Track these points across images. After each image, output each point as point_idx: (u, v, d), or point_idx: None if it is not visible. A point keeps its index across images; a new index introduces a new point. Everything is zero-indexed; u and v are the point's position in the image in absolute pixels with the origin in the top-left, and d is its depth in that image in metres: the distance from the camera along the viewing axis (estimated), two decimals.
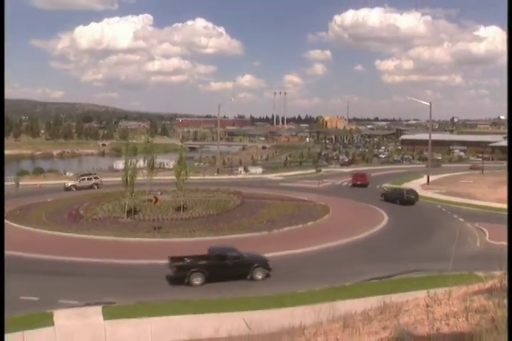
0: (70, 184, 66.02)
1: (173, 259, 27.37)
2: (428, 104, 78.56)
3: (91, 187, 65.47)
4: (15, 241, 35.05)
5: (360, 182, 70.01)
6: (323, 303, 18.30)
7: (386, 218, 45.60)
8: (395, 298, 11.66)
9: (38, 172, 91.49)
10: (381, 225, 42.85)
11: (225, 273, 26.83)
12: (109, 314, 21.24)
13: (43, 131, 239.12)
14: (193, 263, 27.10)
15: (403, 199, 53.95)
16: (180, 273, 26.53)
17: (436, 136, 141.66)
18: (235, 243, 35.66)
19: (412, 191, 56.82)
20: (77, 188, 64.21)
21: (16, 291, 24.45)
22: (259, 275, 27.47)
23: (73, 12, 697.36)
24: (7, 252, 28.65)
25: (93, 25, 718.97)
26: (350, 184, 71.42)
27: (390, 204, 52.74)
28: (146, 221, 42.21)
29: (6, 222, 42.67)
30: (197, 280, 26.49)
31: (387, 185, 68.72)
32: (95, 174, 72.59)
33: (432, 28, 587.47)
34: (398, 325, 6.82)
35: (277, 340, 8.64)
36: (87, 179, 67.42)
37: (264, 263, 28.13)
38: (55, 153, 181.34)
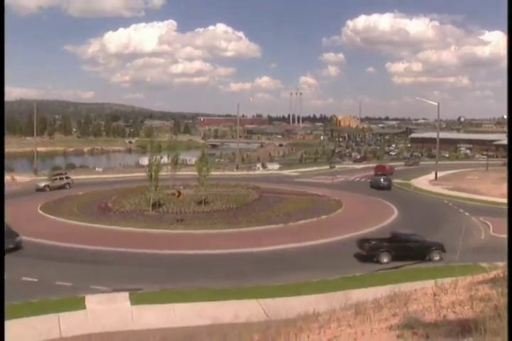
0: (43, 184, 59.24)
1: (363, 240, 29.51)
2: (436, 104, 77.98)
3: (63, 186, 59.96)
4: (49, 231, 35.62)
5: (380, 172, 75.29)
6: (336, 292, 18.35)
7: (396, 212, 45.39)
8: (404, 287, 11.66)
9: (70, 167, 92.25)
10: (391, 219, 42.65)
11: (408, 253, 28.01)
12: (136, 299, 21.52)
13: (74, 130, 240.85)
14: (382, 244, 28.85)
15: (379, 185, 62.41)
16: (371, 252, 28.40)
17: (444, 135, 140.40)
18: (254, 235, 35.90)
19: (386, 179, 64.83)
20: (51, 188, 58.31)
21: (51, 277, 24.88)
22: (436, 257, 28.40)
23: (103, 19, 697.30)
24: (43, 241, 29.28)
25: (121, 30, 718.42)
26: (374, 174, 75.29)
27: (400, 199, 52.52)
28: (170, 214, 42.43)
29: (42, 213, 43.41)
30: (385, 258, 28.06)
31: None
32: (66, 173, 66.49)
33: (439, 32, 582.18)
34: (407, 313, 6.84)
35: (293, 326, 8.66)
36: (59, 179, 61.53)
37: (440, 247, 29.08)
38: (85, 149, 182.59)
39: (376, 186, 62.71)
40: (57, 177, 61.84)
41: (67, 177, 62.73)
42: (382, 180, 64.16)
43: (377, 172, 75.43)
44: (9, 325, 17.77)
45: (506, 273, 4.89)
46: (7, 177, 65.52)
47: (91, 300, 21.30)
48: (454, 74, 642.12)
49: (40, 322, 18.77)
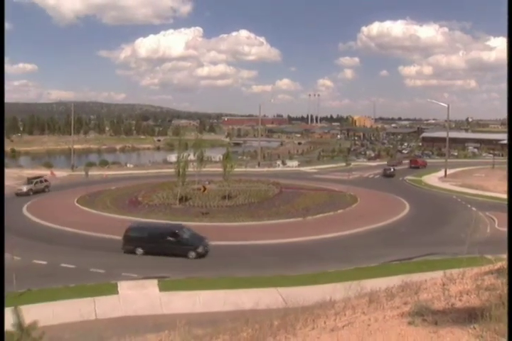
0: (26, 189, 52.02)
1: None
2: (446, 105, 76.99)
3: (43, 190, 53.91)
4: (85, 223, 36.05)
5: (414, 165, 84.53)
6: (350, 281, 18.30)
7: (408, 207, 45.00)
8: (415, 277, 11.62)
9: (104, 164, 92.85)
10: (403, 213, 42.33)
11: None
12: (164, 286, 21.82)
13: (107, 129, 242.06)
14: None
15: (386, 174, 71.82)
16: None
17: (453, 134, 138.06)
18: (274, 228, 35.94)
19: (394, 169, 74.12)
20: (34, 192, 52.05)
21: (86, 264, 25.25)
22: None
23: (135, 26, 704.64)
24: (80, 231, 29.70)
25: (151, 37, 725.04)
26: (408, 166, 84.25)
27: (412, 195, 52.12)
28: (196, 207, 42.60)
29: (79, 206, 43.95)
30: None
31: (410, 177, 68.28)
32: (43, 177, 57.70)
33: (448, 38, 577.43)
34: (418, 301, 6.84)
35: (310, 313, 8.70)
36: (40, 182, 54.65)
37: None
38: (117, 147, 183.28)
39: (385, 174, 71.96)
40: (37, 180, 54.85)
41: (45, 180, 56.16)
42: (391, 170, 73.39)
43: (412, 165, 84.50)
44: (51, 305, 18.21)
45: (506, 264, 4.90)
46: (47, 173, 66.61)
47: (123, 286, 21.64)
48: (463, 78, 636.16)
49: (78, 304, 19.16)
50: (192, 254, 27.92)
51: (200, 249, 28.17)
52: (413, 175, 71.41)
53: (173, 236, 28.66)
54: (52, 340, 9.22)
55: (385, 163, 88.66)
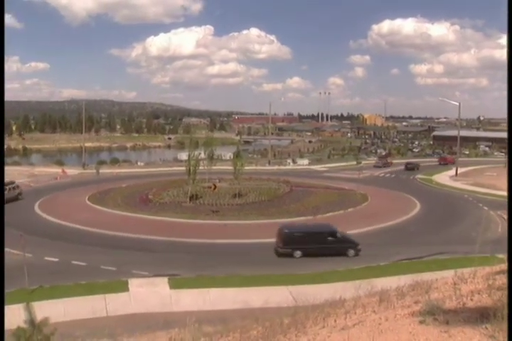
0: None
1: None
2: (457, 103, 76.43)
3: (16, 197, 46.14)
4: (96, 220, 36.25)
5: (443, 162, 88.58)
6: (360, 280, 18.27)
7: (418, 206, 44.76)
8: (426, 276, 11.59)
9: (115, 161, 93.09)
10: (414, 212, 42.09)
11: None
12: (174, 284, 21.87)
13: (118, 127, 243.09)
14: None
15: (408, 168, 77.77)
16: None
17: (464, 133, 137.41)
18: None
19: (416, 164, 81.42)
20: (7, 200, 41.73)
21: (97, 262, 25.36)
22: None
23: (146, 25, 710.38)
24: (91, 229, 29.82)
25: (162, 35, 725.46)
26: (438, 163, 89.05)
27: (422, 194, 51.83)
28: (206, 205, 42.56)
29: (90, 203, 44.12)
30: None
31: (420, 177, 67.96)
32: (15, 182, 48.48)
33: (460, 36, 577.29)
34: (429, 300, 6.81)
35: (320, 311, 8.70)
36: (12, 188, 46.59)
37: None
38: (128, 145, 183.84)
39: (407, 168, 77.64)
40: (10, 186, 46.49)
41: (17, 187, 48.39)
42: (413, 163, 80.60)
43: (441, 162, 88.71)
44: (62, 302, 18.32)
45: (506, 265, 4.85)
46: (57, 171, 67.08)
47: (133, 284, 21.73)
48: (474, 76, 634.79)
49: (89, 301, 19.28)
50: (351, 252, 27.55)
51: (359, 247, 27.80)
52: (424, 174, 70.99)
53: (333, 235, 28.13)
54: (63, 337, 9.29)
55: (395, 161, 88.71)
